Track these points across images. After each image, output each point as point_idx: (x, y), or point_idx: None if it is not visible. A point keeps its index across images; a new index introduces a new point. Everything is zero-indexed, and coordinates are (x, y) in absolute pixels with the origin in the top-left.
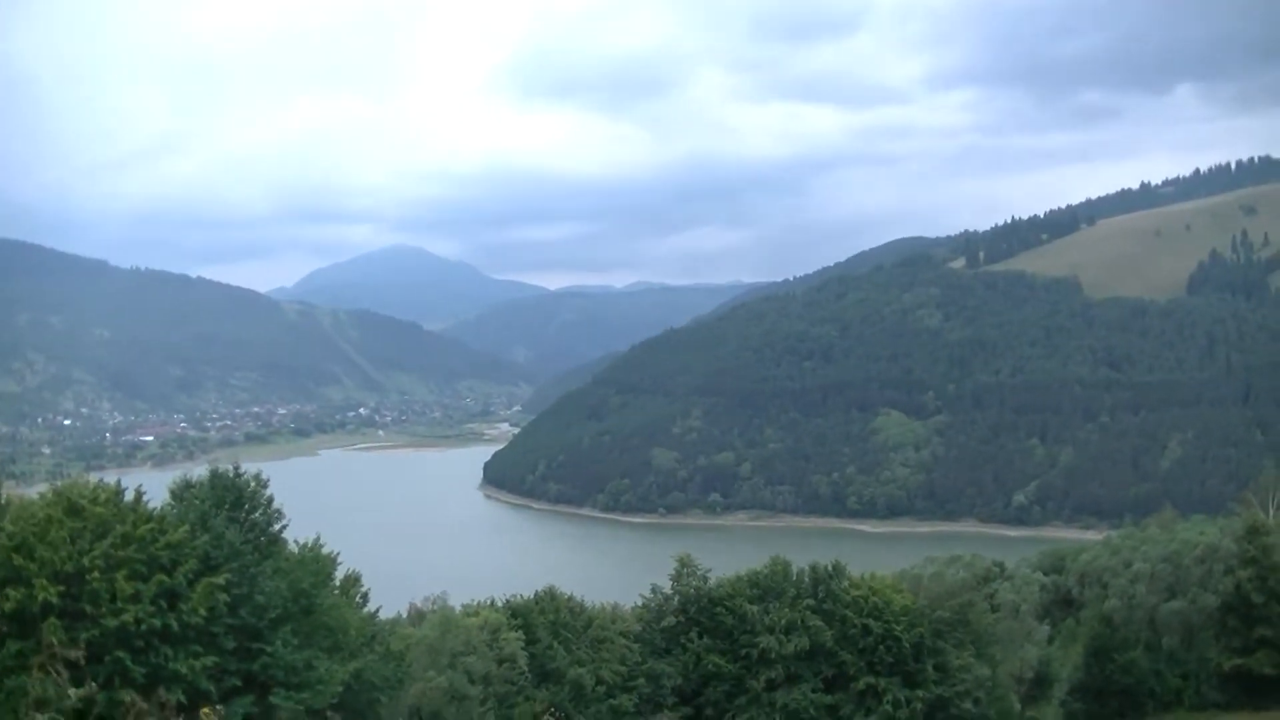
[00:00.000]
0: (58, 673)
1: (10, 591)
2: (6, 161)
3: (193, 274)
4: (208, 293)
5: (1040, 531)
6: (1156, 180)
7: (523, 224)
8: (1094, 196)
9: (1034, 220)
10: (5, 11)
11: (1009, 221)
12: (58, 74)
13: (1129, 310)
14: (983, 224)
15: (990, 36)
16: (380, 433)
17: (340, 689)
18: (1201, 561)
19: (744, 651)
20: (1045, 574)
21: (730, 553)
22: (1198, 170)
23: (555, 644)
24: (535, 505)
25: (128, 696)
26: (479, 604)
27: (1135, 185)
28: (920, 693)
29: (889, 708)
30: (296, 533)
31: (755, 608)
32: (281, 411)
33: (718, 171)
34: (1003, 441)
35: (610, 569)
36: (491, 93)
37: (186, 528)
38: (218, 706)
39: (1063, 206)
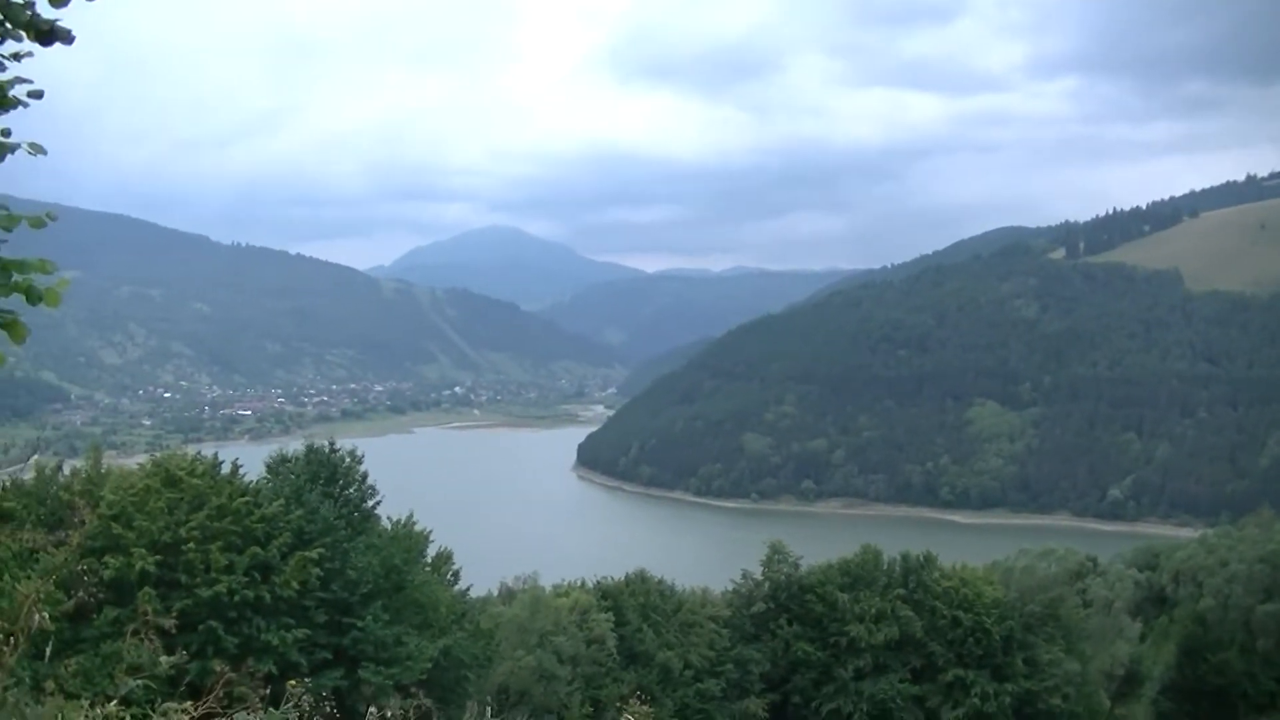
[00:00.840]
0: (151, 640)
1: (109, 559)
2: (113, 138)
3: (291, 251)
4: (306, 270)
5: (1135, 527)
6: (1262, 173)
7: (620, 206)
8: (1197, 188)
9: (1135, 211)
10: None
11: (1110, 212)
12: (161, 52)
13: (1230, 304)
14: (1083, 214)
15: (1093, 23)
16: (475, 412)
17: (429, 665)
18: None
19: (833, 640)
20: (1139, 571)
21: (821, 540)
22: None
23: (644, 626)
24: (627, 488)
25: (219, 666)
26: (569, 584)
27: (1240, 178)
28: (1009, 686)
29: (977, 700)
30: (390, 509)
31: (846, 596)
32: (378, 389)
33: (816, 156)
34: (1098, 435)
35: (700, 553)
36: (589, 73)
37: (281, 502)
38: (306, 679)
39: (1165, 198)
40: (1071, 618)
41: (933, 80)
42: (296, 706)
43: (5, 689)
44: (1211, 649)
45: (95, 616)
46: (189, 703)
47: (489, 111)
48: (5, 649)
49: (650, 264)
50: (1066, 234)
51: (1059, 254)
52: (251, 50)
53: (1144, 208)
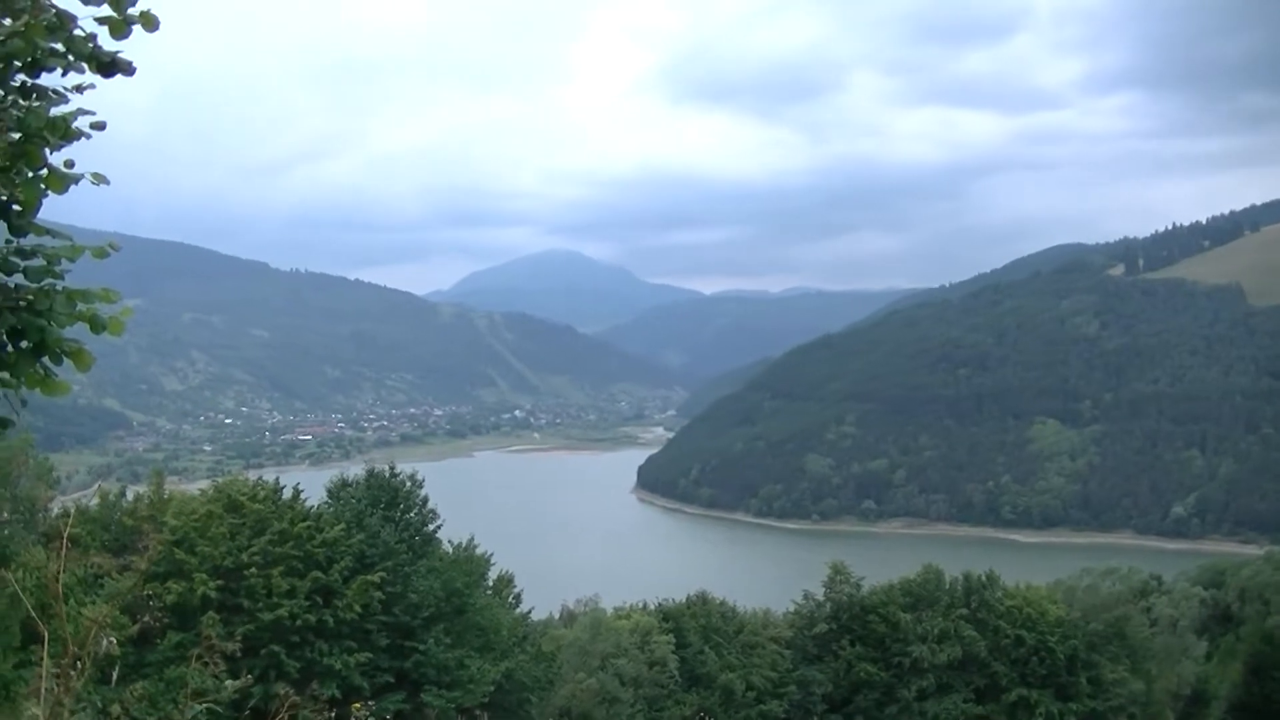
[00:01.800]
0: (215, 664)
1: (172, 585)
2: (172, 166)
3: (350, 276)
4: (365, 295)
5: (1199, 545)
6: None
7: (678, 227)
8: (1258, 202)
9: (1195, 226)
10: (168, 20)
11: (1169, 228)
12: (219, 79)
13: None
14: (1142, 230)
15: (1149, 38)
16: (535, 435)
17: (491, 688)
18: None
19: (896, 660)
20: (1204, 588)
21: (883, 560)
22: None
23: (706, 648)
24: (688, 509)
25: (282, 689)
26: (630, 607)
27: None
28: (1073, 706)
29: None
30: (450, 533)
31: (908, 616)
32: (437, 413)
33: (873, 176)
34: (1160, 452)
35: (762, 574)
36: (644, 94)
37: (342, 526)
38: (369, 702)
39: (1225, 212)
40: (1136, 637)
41: (989, 98)
42: None
43: (73, 713)
44: (1279, 667)
45: (159, 641)
46: None
47: (543, 133)
48: (73, 673)
49: (708, 285)
50: (1126, 250)
51: (1118, 270)
52: (308, 75)
53: (1204, 222)
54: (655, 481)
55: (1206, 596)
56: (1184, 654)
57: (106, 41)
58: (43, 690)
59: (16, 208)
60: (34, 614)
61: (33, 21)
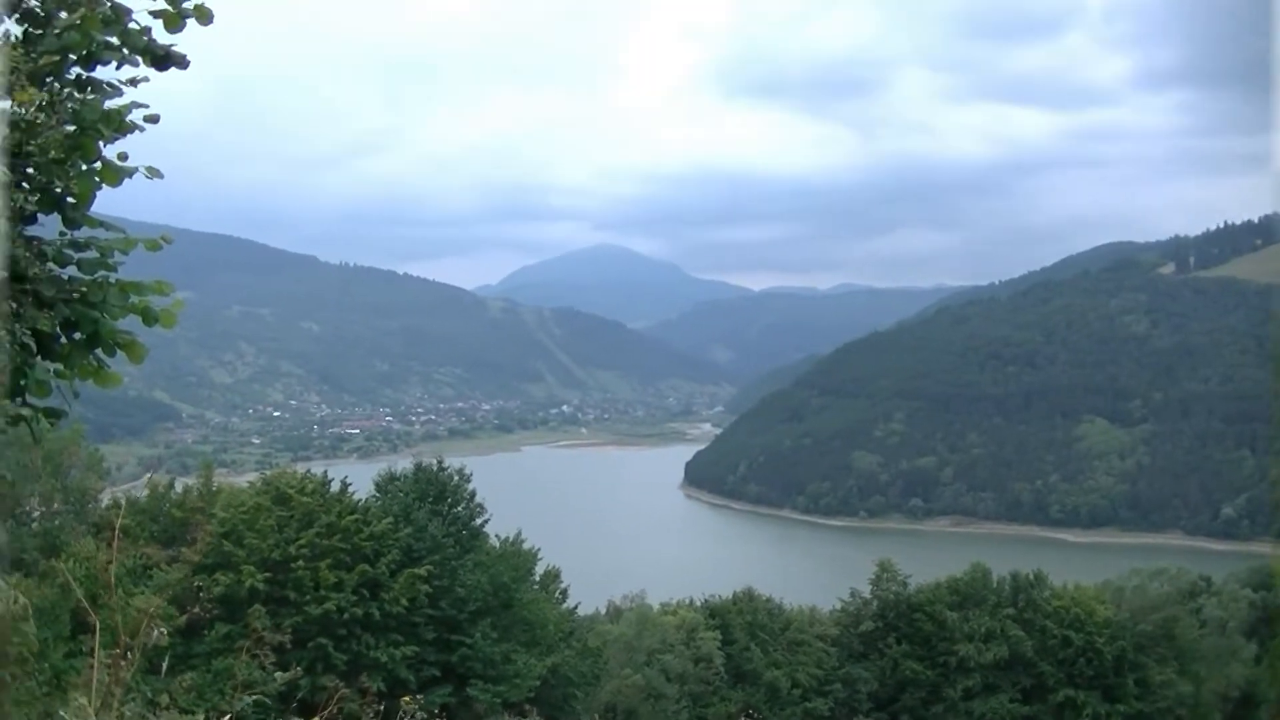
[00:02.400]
0: (264, 656)
1: (220, 576)
2: (223, 159)
3: (399, 270)
4: (414, 289)
5: (1249, 546)
6: None
7: (727, 224)
8: None
9: (1247, 225)
10: (221, 14)
11: (1220, 226)
12: (271, 73)
13: None
14: (1193, 228)
15: (1200, 34)
16: (583, 430)
17: (537, 683)
18: None
19: (942, 659)
20: (1254, 590)
21: (930, 559)
22: None
23: (752, 645)
24: (735, 506)
25: (330, 682)
26: (677, 603)
27: None
28: (1120, 708)
29: None
30: (497, 527)
31: (955, 615)
32: (485, 407)
33: (923, 173)
34: (1210, 452)
35: (808, 572)
36: (695, 91)
37: (390, 520)
38: (418, 695)
39: (1277, 211)
40: (1185, 638)
41: (1040, 95)
42: None
43: (122, 703)
44: None
45: (207, 633)
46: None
47: (594, 129)
48: (123, 664)
49: (757, 282)
50: (1176, 249)
51: (1169, 269)
52: (359, 70)
53: (1255, 221)
54: (702, 478)
55: (1256, 598)
56: (1233, 656)
57: (161, 35)
58: (94, 680)
59: (71, 200)
60: (85, 603)
61: (89, 14)
